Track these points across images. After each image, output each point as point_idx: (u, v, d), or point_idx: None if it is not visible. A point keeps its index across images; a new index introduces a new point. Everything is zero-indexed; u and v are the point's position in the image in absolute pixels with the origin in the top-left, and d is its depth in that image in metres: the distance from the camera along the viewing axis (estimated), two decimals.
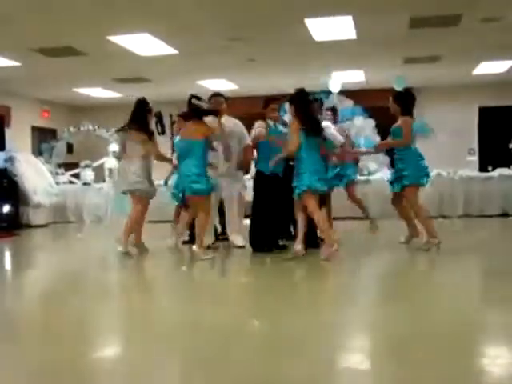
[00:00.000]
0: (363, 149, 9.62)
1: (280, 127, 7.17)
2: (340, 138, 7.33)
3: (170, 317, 4.36)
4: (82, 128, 13.31)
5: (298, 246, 6.47)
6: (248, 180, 8.39)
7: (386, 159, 13.22)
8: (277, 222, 7.15)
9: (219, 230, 8.05)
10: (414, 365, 3.12)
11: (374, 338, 3.72)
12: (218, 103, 7.31)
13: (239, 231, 7.66)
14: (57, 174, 12.93)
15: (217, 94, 7.53)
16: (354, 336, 3.80)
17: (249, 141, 7.37)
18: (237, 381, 3.01)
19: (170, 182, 8.39)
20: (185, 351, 3.55)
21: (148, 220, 7.75)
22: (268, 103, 7.14)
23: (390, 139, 7.26)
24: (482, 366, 3.18)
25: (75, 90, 14.09)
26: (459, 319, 4.01)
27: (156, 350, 3.53)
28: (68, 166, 13.57)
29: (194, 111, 6.76)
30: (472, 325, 3.93)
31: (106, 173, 13.32)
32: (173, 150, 9.07)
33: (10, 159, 11.39)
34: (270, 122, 7.09)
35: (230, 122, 7.41)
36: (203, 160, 6.67)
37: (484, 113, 15.07)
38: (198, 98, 6.76)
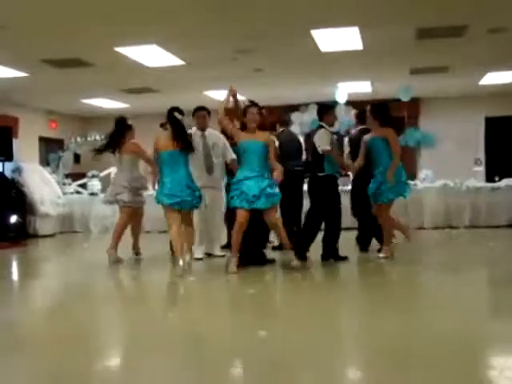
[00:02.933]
0: None
1: None
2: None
3: (175, 327, 4.36)
4: (89, 138, 13.36)
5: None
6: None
7: None
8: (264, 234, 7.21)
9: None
10: (420, 376, 3.11)
11: (380, 347, 3.71)
12: (201, 117, 7.57)
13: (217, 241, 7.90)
14: (64, 184, 12.96)
15: (200, 108, 7.68)
16: (358, 346, 3.80)
17: (233, 155, 7.44)
18: None
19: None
20: (189, 362, 3.54)
21: None
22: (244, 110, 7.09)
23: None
24: (489, 377, 3.17)
25: (83, 100, 14.15)
26: (466, 330, 4.00)
27: (160, 361, 3.53)
28: (75, 176, 13.60)
29: (174, 124, 6.76)
30: (479, 335, 3.92)
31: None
32: None
33: (18, 169, 11.44)
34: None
35: (213, 135, 7.66)
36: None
37: (491, 123, 15.05)
38: (181, 113, 6.80)
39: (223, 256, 7.52)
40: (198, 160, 7.29)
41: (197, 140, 7.40)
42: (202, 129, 7.58)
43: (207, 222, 7.63)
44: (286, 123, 8.43)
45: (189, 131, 7.16)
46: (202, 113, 7.59)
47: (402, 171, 7.14)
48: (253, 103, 6.90)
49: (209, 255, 7.72)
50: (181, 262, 6.40)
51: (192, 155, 6.88)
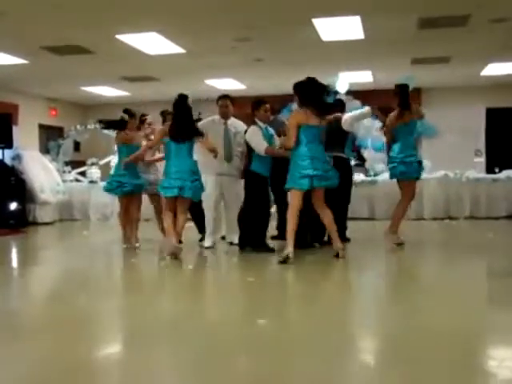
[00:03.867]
0: None
1: (270, 129, 7.18)
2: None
3: (174, 315, 4.36)
4: (89, 126, 13.34)
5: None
6: None
7: None
8: (267, 223, 7.21)
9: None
10: (420, 366, 3.11)
11: (379, 338, 3.71)
12: (225, 105, 7.50)
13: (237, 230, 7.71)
14: (63, 171, 12.96)
15: (224, 96, 7.63)
16: (359, 336, 3.80)
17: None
18: (242, 380, 3.02)
19: None
20: (190, 350, 3.54)
21: None
22: (259, 104, 7.09)
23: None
24: (488, 367, 3.18)
25: (83, 88, 14.11)
26: (465, 320, 4.01)
27: (160, 349, 3.54)
28: (75, 164, 13.59)
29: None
30: (479, 326, 3.92)
31: (113, 171, 13.31)
32: None
33: (18, 157, 11.43)
34: (262, 125, 7.05)
35: (236, 124, 7.60)
36: None
37: (491, 114, 15.02)
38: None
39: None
40: (218, 148, 7.16)
41: (218, 128, 7.41)
42: (225, 117, 7.51)
43: (226, 211, 7.65)
44: (277, 111, 8.39)
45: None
46: (224, 102, 7.54)
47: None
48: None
49: (230, 244, 7.70)
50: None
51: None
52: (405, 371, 3.06)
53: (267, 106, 7.13)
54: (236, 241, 7.49)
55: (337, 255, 6.41)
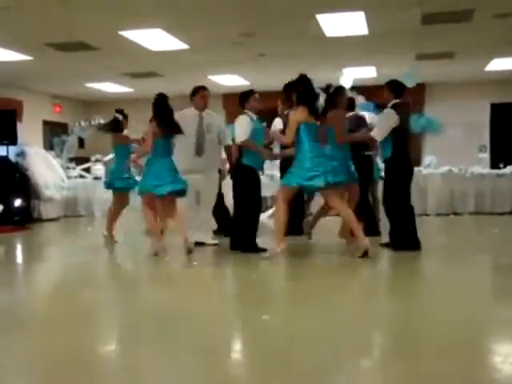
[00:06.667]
0: None
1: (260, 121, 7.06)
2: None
3: (177, 312, 4.36)
4: (92, 122, 13.34)
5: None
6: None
7: None
8: (257, 220, 7.02)
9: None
10: (424, 361, 3.12)
11: (384, 334, 3.71)
12: (206, 96, 7.39)
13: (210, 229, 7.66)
14: (68, 168, 12.98)
15: (203, 87, 7.50)
16: (362, 333, 3.80)
17: (229, 141, 7.39)
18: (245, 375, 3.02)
19: None
20: (193, 345, 3.55)
21: None
22: (248, 95, 6.93)
23: None
24: (493, 362, 3.17)
25: (87, 84, 14.12)
26: (470, 316, 4.01)
27: (161, 346, 3.54)
28: (79, 161, 13.62)
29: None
30: (483, 322, 3.92)
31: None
32: None
33: (22, 153, 11.44)
34: (252, 115, 6.87)
35: (212, 115, 7.52)
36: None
37: (496, 109, 14.97)
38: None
39: (216, 244, 7.44)
40: (189, 142, 7.14)
41: (191, 121, 7.24)
42: (202, 109, 7.37)
43: (200, 209, 7.42)
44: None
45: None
46: (206, 92, 7.40)
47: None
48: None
49: (202, 244, 7.36)
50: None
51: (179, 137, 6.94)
52: (408, 366, 3.06)
53: (256, 95, 6.97)
54: (209, 241, 7.42)
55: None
